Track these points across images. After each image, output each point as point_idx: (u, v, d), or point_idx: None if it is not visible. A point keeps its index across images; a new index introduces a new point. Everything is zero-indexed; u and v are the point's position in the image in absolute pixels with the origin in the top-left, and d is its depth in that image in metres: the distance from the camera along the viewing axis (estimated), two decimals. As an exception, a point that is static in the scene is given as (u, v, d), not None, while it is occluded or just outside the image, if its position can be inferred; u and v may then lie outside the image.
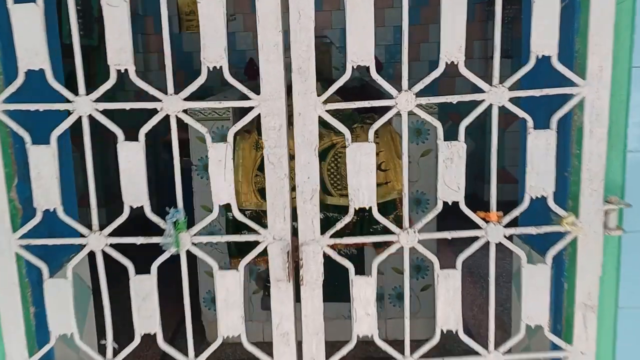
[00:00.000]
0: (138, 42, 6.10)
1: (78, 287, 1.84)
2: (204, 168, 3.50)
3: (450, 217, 1.71)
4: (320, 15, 6.10)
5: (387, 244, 3.50)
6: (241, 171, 3.13)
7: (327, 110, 1.43)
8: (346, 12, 1.35)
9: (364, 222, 3.35)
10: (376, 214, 1.48)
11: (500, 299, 3.82)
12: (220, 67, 1.39)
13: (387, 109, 1.43)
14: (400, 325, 1.59)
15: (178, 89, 1.41)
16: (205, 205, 3.59)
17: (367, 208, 3.24)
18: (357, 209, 1.47)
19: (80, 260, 1.56)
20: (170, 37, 1.39)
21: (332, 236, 1.49)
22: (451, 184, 1.45)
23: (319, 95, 1.42)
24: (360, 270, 3.06)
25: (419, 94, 1.42)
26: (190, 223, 3.52)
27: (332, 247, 1.50)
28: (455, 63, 1.41)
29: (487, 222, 1.48)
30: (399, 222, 3.47)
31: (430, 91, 1.45)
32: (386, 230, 1.48)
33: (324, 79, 4.02)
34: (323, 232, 3.27)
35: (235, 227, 3.12)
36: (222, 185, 1.43)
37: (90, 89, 1.42)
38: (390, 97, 1.42)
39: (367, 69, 4.70)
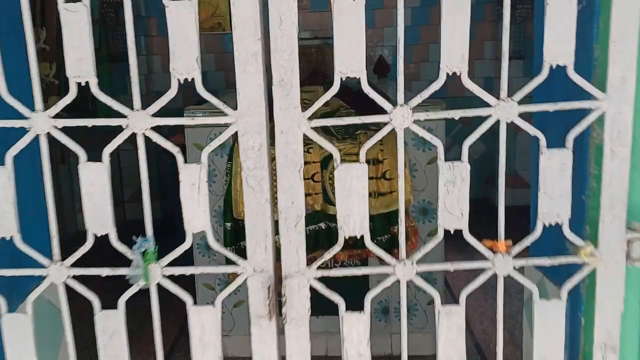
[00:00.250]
0: (141, 43, 6.02)
1: (49, 315, 1.69)
2: (202, 176, 3.36)
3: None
4: (326, 16, 5.98)
5: (393, 256, 3.33)
6: (239, 180, 2.99)
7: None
8: (333, 16, 1.20)
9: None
10: (368, 243, 1.32)
11: (511, 312, 3.66)
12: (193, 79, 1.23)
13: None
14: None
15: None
16: (203, 215, 3.47)
17: (370, 224, 3.11)
18: (346, 237, 1.31)
19: (52, 284, 1.41)
20: None
21: (319, 267, 1.32)
22: (453, 210, 1.29)
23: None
24: (365, 284, 2.93)
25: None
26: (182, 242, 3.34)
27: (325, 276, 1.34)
28: (458, 74, 1.24)
29: (494, 252, 1.31)
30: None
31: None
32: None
33: (329, 82, 3.88)
34: (323, 244, 3.07)
35: (235, 237, 2.97)
36: (196, 211, 1.28)
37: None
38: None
39: (376, 70, 4.46)
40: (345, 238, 1.31)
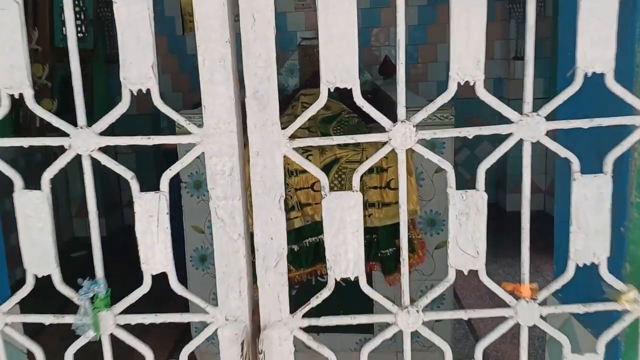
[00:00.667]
0: (139, 44, 5.80)
1: (8, 354, 1.49)
2: (194, 185, 3.18)
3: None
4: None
5: (398, 270, 3.10)
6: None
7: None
8: (318, 15, 0.97)
9: (371, 245, 2.99)
10: (364, 286, 1.09)
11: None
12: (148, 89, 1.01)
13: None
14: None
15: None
16: (196, 226, 3.26)
17: (374, 236, 2.89)
18: (337, 279, 1.09)
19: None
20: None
21: (305, 315, 1.10)
22: (467, 247, 1.06)
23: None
24: (368, 298, 2.72)
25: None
26: (180, 247, 3.09)
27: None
28: (471, 84, 1.01)
29: (517, 298, 1.09)
30: (410, 246, 3.11)
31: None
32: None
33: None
34: (324, 257, 2.84)
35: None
36: (154, 248, 1.06)
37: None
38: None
39: (381, 70, 4.17)
40: (336, 279, 1.09)
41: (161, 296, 1.10)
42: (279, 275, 1.07)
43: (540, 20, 5.73)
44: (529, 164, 1.04)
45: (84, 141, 1.02)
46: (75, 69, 1.01)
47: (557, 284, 1.09)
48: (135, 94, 1.00)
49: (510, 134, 1.03)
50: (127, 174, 1.04)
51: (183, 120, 1.02)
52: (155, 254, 1.06)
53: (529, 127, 1.02)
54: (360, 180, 3.16)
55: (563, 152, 1.04)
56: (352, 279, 1.07)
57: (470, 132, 1.03)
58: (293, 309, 1.09)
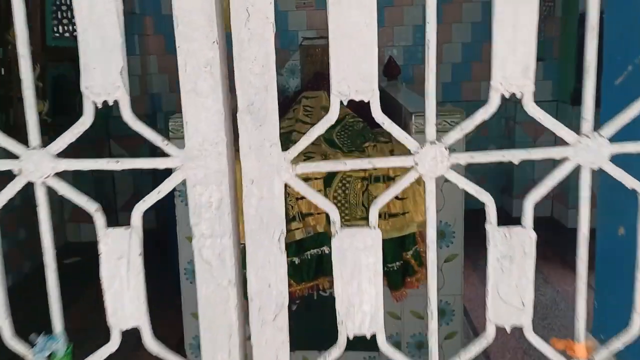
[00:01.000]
0: (135, 43, 5.65)
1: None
2: (189, 194, 2.98)
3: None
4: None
5: (406, 285, 2.90)
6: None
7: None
8: (328, 11, 0.77)
9: (377, 259, 2.81)
10: (382, 344, 0.89)
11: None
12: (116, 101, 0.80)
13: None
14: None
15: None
16: (190, 237, 3.07)
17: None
18: (350, 338, 0.88)
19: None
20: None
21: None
22: (510, 298, 0.86)
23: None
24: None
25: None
26: (174, 260, 2.87)
27: None
28: (519, 96, 0.81)
29: (569, 358, 0.89)
30: (418, 260, 2.92)
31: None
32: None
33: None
34: (327, 270, 2.61)
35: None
36: (124, 298, 0.85)
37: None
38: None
39: (385, 72, 3.91)
40: (348, 337, 0.88)
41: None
42: (278, 330, 0.87)
43: (549, 21, 5.54)
44: (588, 197, 0.84)
45: (37, 165, 0.81)
46: (26, 77, 0.81)
47: (619, 342, 0.88)
48: (99, 106, 0.80)
49: (565, 159, 0.82)
50: (90, 206, 0.84)
51: (160, 140, 0.81)
52: (125, 304, 0.85)
53: (589, 151, 0.82)
54: (366, 190, 2.93)
55: (630, 182, 0.84)
56: (369, 336, 0.87)
57: (516, 156, 0.83)
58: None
